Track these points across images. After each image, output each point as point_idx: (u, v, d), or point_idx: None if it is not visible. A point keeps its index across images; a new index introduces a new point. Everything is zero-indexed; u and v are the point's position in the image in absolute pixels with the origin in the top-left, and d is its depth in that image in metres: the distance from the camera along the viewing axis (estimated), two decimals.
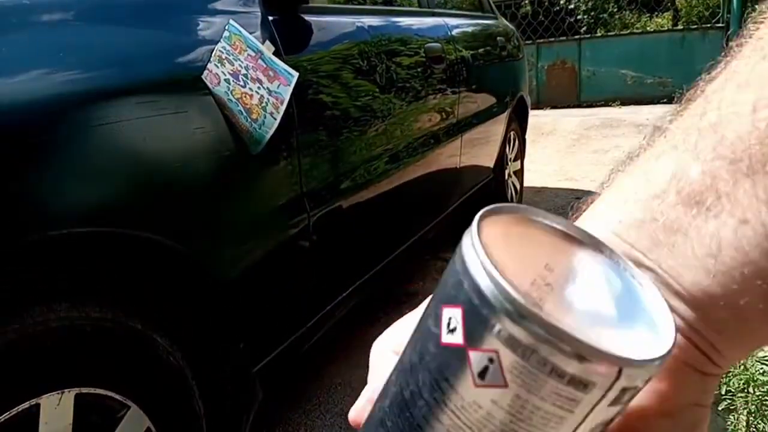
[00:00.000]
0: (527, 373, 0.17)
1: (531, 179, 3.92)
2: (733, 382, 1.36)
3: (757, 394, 1.32)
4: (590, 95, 7.33)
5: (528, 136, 3.57)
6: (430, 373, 0.19)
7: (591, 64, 7.28)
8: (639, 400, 0.20)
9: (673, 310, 0.20)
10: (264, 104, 1.06)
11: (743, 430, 1.32)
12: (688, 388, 0.21)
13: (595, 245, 0.21)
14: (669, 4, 8.05)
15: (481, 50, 2.64)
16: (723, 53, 0.23)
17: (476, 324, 0.18)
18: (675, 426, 0.21)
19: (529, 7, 8.16)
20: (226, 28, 1.06)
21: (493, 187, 2.89)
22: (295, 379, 1.78)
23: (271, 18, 1.24)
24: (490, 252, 0.18)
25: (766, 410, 1.32)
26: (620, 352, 0.17)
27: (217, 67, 1.03)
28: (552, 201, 3.58)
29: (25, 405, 0.82)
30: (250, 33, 1.09)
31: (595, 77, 7.29)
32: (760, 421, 1.30)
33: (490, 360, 0.17)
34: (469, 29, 2.62)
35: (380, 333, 0.27)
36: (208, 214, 1.06)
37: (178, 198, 1.00)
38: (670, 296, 0.21)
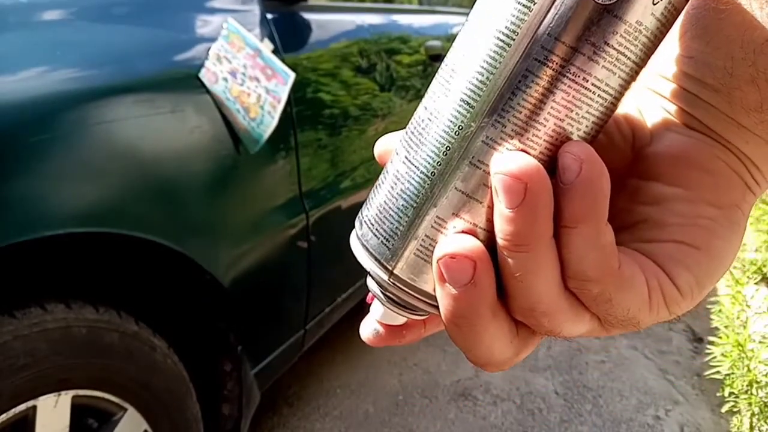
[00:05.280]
0: None
1: None
2: (737, 384, 1.35)
3: (761, 395, 1.31)
4: None
5: None
6: None
7: None
8: (693, 192, 0.24)
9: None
10: (262, 103, 1.05)
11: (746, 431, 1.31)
12: (733, 191, 0.25)
13: None
14: None
15: None
16: None
17: None
18: (719, 217, 0.24)
19: None
20: (225, 26, 1.05)
21: None
22: (293, 382, 1.77)
23: (269, 16, 1.23)
24: None
25: None
26: None
27: (215, 65, 1.01)
28: None
29: (22, 407, 0.81)
30: (249, 31, 1.08)
31: None
32: (763, 423, 1.29)
33: None
34: None
35: None
36: (205, 214, 1.05)
37: (175, 198, 0.98)
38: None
